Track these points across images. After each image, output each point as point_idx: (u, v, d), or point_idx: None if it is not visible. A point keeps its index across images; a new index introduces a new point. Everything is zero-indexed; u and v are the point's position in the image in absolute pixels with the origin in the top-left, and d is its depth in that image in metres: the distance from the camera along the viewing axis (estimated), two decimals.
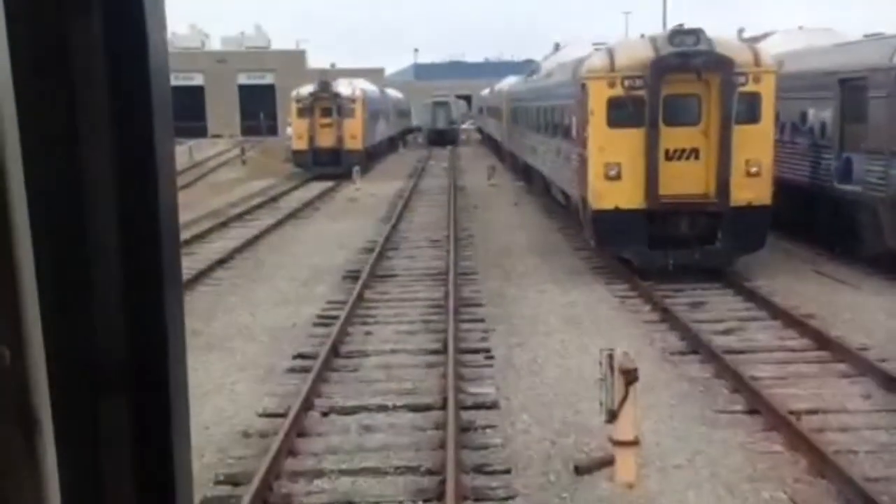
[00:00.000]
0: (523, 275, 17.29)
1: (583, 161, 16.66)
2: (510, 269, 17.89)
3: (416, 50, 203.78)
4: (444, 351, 11.78)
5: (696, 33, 15.26)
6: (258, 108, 77.17)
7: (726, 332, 12.62)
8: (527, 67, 57.12)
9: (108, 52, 1.02)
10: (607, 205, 15.76)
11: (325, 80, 41.53)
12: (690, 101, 15.63)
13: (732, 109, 15.11)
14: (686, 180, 15.55)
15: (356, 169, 33.63)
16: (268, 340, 12.79)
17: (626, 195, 15.62)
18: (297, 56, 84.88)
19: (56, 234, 1.03)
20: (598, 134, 15.76)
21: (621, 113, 15.64)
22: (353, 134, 39.98)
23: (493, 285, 16.30)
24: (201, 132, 74.12)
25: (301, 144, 39.92)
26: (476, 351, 11.97)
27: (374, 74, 71.35)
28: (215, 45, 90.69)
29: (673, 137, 15.49)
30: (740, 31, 19.29)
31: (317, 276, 17.59)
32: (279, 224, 24.88)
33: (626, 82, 15.44)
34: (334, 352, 11.90)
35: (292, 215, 26.96)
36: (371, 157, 45.11)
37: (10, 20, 0.98)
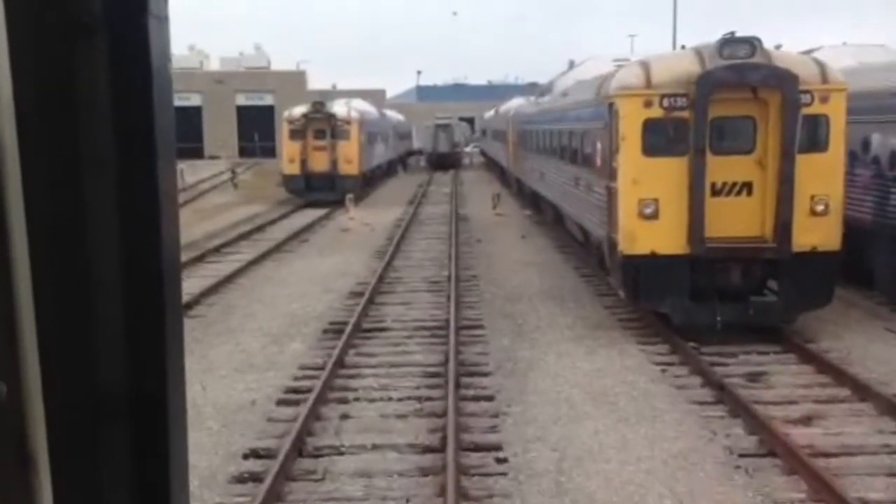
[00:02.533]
0: (538, 329, 14.51)
1: (611, 195, 13.94)
2: (522, 321, 15.11)
3: (419, 72, 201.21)
4: (442, 448, 9.01)
5: (752, 42, 12.57)
6: (257, 130, 75.28)
7: (806, 420, 9.83)
8: (531, 90, 55.18)
9: (111, 81, 1.01)
10: (641, 249, 13.01)
11: (318, 100, 38.97)
12: (743, 124, 12.92)
13: (795, 135, 12.39)
14: (737, 220, 12.81)
15: (349, 196, 30.95)
16: (216, 427, 9.99)
17: (664, 238, 12.88)
18: (297, 77, 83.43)
19: (55, 266, 1.02)
20: (631, 164, 13.04)
21: (659, 138, 12.93)
22: (349, 158, 37.31)
23: (502, 344, 13.52)
24: (198, 153, 72.55)
25: (293, 169, 37.26)
26: (484, 448, 9.17)
27: (375, 96, 69.56)
28: (214, 65, 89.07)
29: (722, 168, 12.77)
30: (777, 48, 16.75)
31: (293, 328, 14.82)
32: (260, 259, 22.13)
33: (666, 101, 12.74)
34: (297, 449, 9.11)
35: (277, 248, 24.22)
36: (368, 182, 42.48)
37: (13, 47, 0.98)
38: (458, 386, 11.11)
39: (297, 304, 16.78)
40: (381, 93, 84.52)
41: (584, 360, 12.54)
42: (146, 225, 1.05)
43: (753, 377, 11.45)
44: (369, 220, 31.05)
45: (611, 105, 13.83)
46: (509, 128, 38.35)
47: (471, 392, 11.08)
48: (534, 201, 30.87)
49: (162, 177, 1.06)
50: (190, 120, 75.50)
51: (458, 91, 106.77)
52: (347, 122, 37.62)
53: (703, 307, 12.86)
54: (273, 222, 31.22)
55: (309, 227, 29.55)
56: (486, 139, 62.40)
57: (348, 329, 14.16)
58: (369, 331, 14.60)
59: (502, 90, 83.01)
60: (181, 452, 1.14)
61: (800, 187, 12.52)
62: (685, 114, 12.70)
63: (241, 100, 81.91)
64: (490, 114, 57.70)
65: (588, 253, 19.59)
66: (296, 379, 11.84)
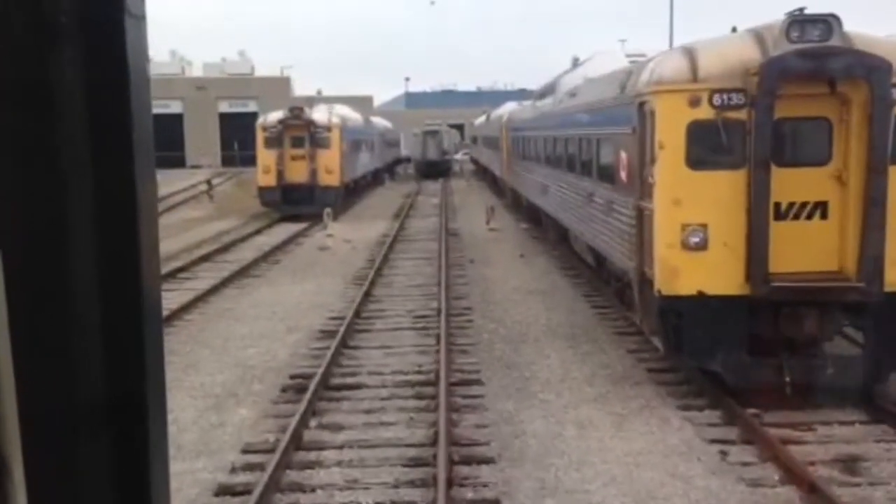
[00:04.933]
0: (549, 385, 11.58)
1: (642, 219, 11.04)
2: (529, 373, 12.18)
3: (408, 79, 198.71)
4: None
5: (828, 22, 9.71)
6: (240, 138, 72.51)
7: None
8: (521, 97, 52.57)
9: (87, 83, 0.98)
10: (685, 289, 10.11)
11: (296, 105, 36.04)
12: (817, 127, 10.04)
13: (888, 142, 9.53)
14: (810, 252, 9.94)
15: (328, 211, 27.95)
16: None
17: (715, 274, 9.99)
18: (282, 83, 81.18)
19: (30, 270, 0.99)
20: (672, 179, 10.15)
21: (709, 146, 10.04)
22: (329, 168, 34.31)
23: (506, 410, 10.58)
24: (179, 162, 69.87)
25: (268, 180, 34.22)
26: None
27: (361, 102, 67.19)
28: (197, 72, 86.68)
29: (789, 184, 9.91)
30: None
31: (242, 386, 11.84)
32: (220, 287, 19.11)
33: (718, 98, 9.86)
34: None
35: (242, 272, 21.21)
36: (351, 193, 39.53)
37: None
38: (450, 483, 8.17)
39: (253, 350, 13.79)
40: (369, 99, 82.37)
41: (614, 437, 9.60)
42: (125, 228, 1.03)
43: (850, 465, 8.53)
44: (351, 235, 28.11)
45: (642, 105, 10.94)
46: (503, 134, 35.46)
47: (468, 494, 8.12)
48: (531, 214, 27.99)
49: (140, 179, 1.03)
50: (171, 128, 73.22)
51: (448, 97, 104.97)
52: (328, 128, 34.63)
53: (767, 364, 9.95)
54: (244, 239, 28.23)
55: (282, 246, 26.56)
56: (476, 146, 59.59)
57: (312, 386, 11.22)
58: (338, 388, 11.64)
59: (492, 96, 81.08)
60: (162, 458, 1.10)
61: (893, 209, 9.64)
62: (742, 114, 9.83)
63: (224, 107, 79.69)
64: (481, 120, 54.83)
65: (601, 280, 16.68)
66: (233, 471, 8.86)
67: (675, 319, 10.18)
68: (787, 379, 9.83)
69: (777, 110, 9.66)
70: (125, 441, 1.05)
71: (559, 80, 20.38)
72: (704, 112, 9.91)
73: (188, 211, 39.57)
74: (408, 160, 66.97)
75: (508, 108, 38.72)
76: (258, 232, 30.41)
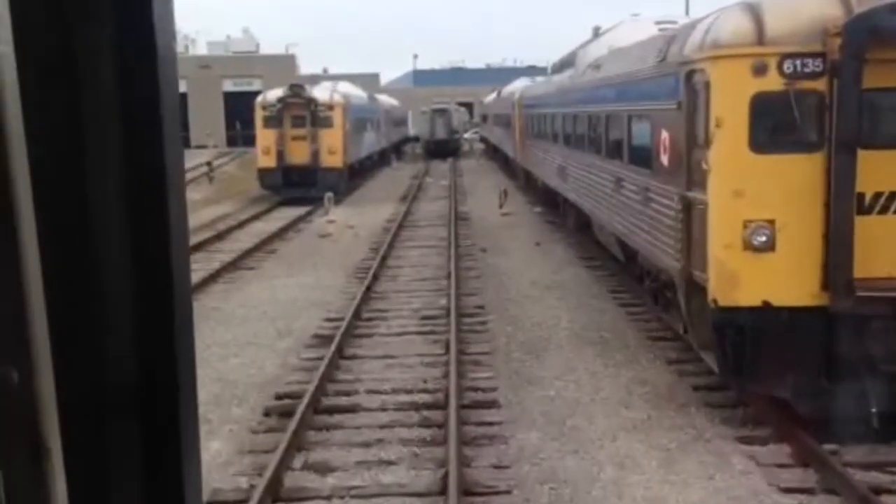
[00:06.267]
0: (578, 407, 9.83)
1: (691, 212, 9.21)
2: (553, 391, 10.42)
3: (416, 56, 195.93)
4: None
5: None
6: (244, 117, 70.89)
7: None
8: (532, 73, 50.64)
9: (117, 60, 1.00)
10: (748, 299, 8.30)
11: (297, 83, 34.21)
12: None
13: None
14: None
15: (329, 195, 26.13)
16: None
17: (784, 281, 8.20)
18: (287, 61, 79.44)
19: (64, 253, 1.01)
20: (732, 165, 8.32)
21: (778, 125, 8.22)
22: (332, 148, 32.48)
23: (527, 442, 8.83)
24: (184, 143, 67.70)
25: (268, 161, 32.43)
26: None
27: (368, 80, 65.38)
28: (201, 50, 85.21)
29: (879, 171, 8.08)
30: None
31: (219, 409, 10.11)
32: (208, 282, 17.38)
33: (790, 65, 8.02)
34: None
35: (234, 264, 19.47)
36: (356, 174, 37.71)
37: (16, 31, 0.96)
38: None
39: (237, 360, 12.07)
40: (375, 77, 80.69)
41: (664, 482, 7.84)
42: (154, 211, 1.03)
43: None
44: (354, 221, 26.37)
45: (691, 74, 9.08)
46: (515, 112, 33.51)
47: None
48: (546, 197, 26.16)
49: (169, 161, 1.04)
50: None
51: (456, 75, 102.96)
52: (330, 107, 32.77)
53: (849, 390, 8.14)
54: (241, 226, 26.48)
55: (281, 233, 24.84)
56: (487, 125, 57.61)
57: (300, 410, 9.49)
58: (331, 412, 9.91)
59: (502, 74, 79.11)
60: (193, 441, 1.12)
61: None
62: (820, 84, 7.99)
63: (229, 86, 78.11)
64: (491, 97, 52.79)
65: (631, 275, 14.89)
66: None
67: (733, 336, 8.37)
68: (874, 409, 8.03)
69: (865, 79, 7.80)
70: (158, 427, 1.06)
71: (579, 52, 18.47)
72: (772, 82, 8.06)
73: (187, 194, 37.77)
74: (416, 139, 65.17)
75: (521, 84, 36.77)
76: (256, 217, 28.68)
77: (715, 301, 8.43)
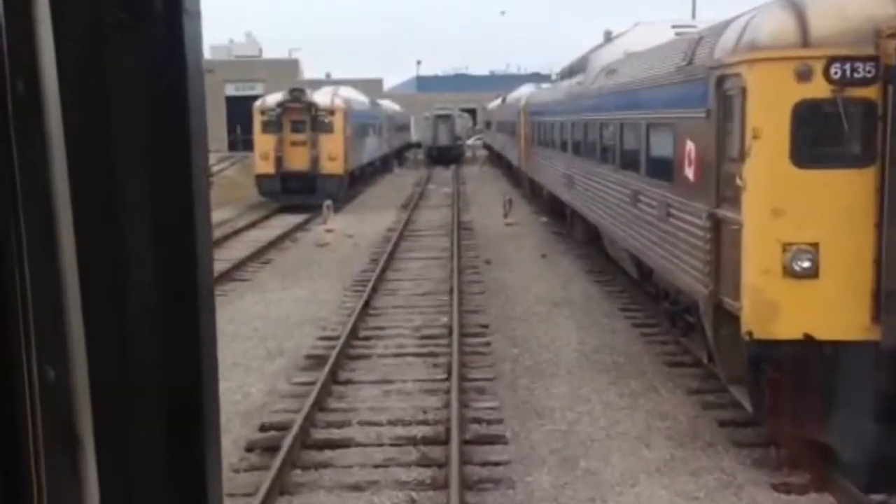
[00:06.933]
0: (593, 446, 8.93)
1: (722, 231, 8.32)
2: (564, 424, 9.52)
3: (419, 62, 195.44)
4: None
5: None
6: (246, 122, 70.13)
7: None
8: (536, 80, 49.90)
9: (146, 78, 1.04)
10: (788, 331, 7.40)
11: (297, 87, 33.36)
12: None
13: None
14: None
15: (328, 203, 25.23)
16: None
17: (830, 311, 7.30)
18: (290, 65, 78.85)
19: (99, 258, 1.06)
20: (772, 180, 7.43)
21: (824, 135, 7.33)
22: (333, 154, 31.60)
23: (537, 486, 7.95)
24: None
25: (266, 167, 31.59)
26: None
27: (371, 85, 64.71)
28: (203, 54, 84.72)
29: None
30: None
31: None
32: None
33: (837, 69, 7.13)
34: None
35: (226, 276, 18.58)
36: (357, 181, 36.84)
37: (58, 45, 1.00)
38: None
39: (222, 385, 10.76)
40: (378, 82, 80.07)
41: None
42: (182, 218, 1.08)
43: None
44: (353, 229, 25.52)
45: (722, 79, 8.20)
46: (521, 119, 32.65)
47: None
48: (552, 206, 25.27)
49: (196, 172, 1.08)
50: None
51: (460, 81, 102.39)
52: (331, 111, 31.92)
53: None
54: (236, 233, 25.62)
55: (278, 242, 23.97)
56: (490, 131, 56.76)
57: (286, 445, 8.61)
58: (320, 447, 9.01)
59: (505, 80, 78.57)
60: (215, 434, 1.16)
61: None
62: (871, 91, 7.10)
63: (231, 90, 77.36)
64: (495, 103, 51.95)
65: (646, 293, 14.00)
66: None
67: (770, 372, 7.46)
68: None
69: None
70: (182, 421, 1.11)
71: (591, 57, 17.58)
72: (818, 88, 7.18)
73: None
74: (418, 145, 64.35)
75: (527, 89, 35.95)
76: (253, 225, 27.86)
77: (750, 333, 7.52)
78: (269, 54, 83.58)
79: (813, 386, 7.38)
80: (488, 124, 59.21)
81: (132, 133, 1.03)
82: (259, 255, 21.66)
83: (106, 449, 1.07)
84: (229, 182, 43.46)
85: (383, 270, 18.65)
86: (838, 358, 7.30)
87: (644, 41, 14.44)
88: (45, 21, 0.98)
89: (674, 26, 15.56)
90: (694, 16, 43.97)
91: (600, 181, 15.21)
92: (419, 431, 9.33)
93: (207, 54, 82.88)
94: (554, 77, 35.33)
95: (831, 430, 7.44)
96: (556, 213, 24.59)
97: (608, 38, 18.63)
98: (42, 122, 1.00)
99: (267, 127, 31.74)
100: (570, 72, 20.64)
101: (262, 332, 13.96)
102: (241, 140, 63.50)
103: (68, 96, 1.00)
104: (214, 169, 46.99)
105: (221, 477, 1.18)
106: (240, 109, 71.88)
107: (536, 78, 56.92)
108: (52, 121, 1.00)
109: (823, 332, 7.32)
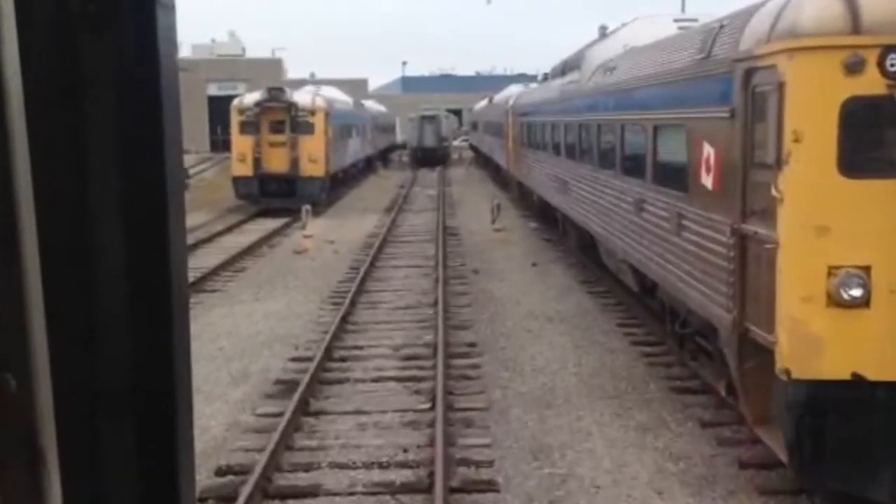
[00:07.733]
0: (598, 494, 7.77)
1: (747, 250, 7.17)
2: (563, 466, 8.35)
3: (405, 63, 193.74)
4: None
5: None
6: (229, 122, 68.87)
7: None
8: (522, 81, 48.78)
9: (118, 71, 1.00)
10: (834, 370, 6.26)
11: (276, 86, 32.10)
12: None
13: None
14: None
15: (306, 208, 24.00)
16: None
17: (883, 347, 6.17)
18: (274, 65, 77.78)
19: (63, 259, 1.01)
20: (815, 192, 6.30)
21: (878, 140, 6.21)
22: (313, 156, 30.36)
23: None
24: None
25: (244, 169, 30.32)
26: None
27: (355, 86, 63.52)
28: (185, 53, 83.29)
29: None
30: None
31: None
32: None
33: (894, 61, 6.00)
34: None
35: (195, 286, 17.29)
36: (339, 183, 35.61)
37: (22, 39, 0.97)
38: None
39: None
40: (363, 82, 78.96)
41: None
42: (154, 219, 1.03)
43: None
44: (334, 234, 24.33)
45: (751, 73, 7.04)
46: (508, 120, 31.50)
47: None
48: (543, 211, 24.15)
49: (169, 168, 1.04)
50: None
51: (446, 82, 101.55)
52: (311, 112, 30.68)
53: None
54: (210, 239, 24.32)
55: (254, 248, 22.71)
56: (477, 133, 55.63)
57: (246, 492, 7.43)
58: (283, 496, 7.81)
59: (491, 81, 77.76)
60: (188, 446, 1.11)
61: None
62: None
63: (213, 90, 76.07)
64: (482, 104, 50.79)
65: (648, 310, 12.87)
66: None
67: (814, 419, 6.31)
68: None
69: None
70: (152, 431, 1.06)
71: (586, 53, 16.43)
72: (871, 83, 6.05)
73: None
74: (403, 147, 63.21)
75: (515, 89, 34.82)
76: (229, 230, 26.54)
77: (788, 372, 6.37)
78: (252, 54, 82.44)
79: (863, 435, 6.23)
80: (475, 125, 58.10)
81: (101, 129, 0.99)
82: (232, 262, 20.40)
83: (71, 463, 1.03)
84: (208, 184, 42.17)
85: (363, 281, 17.45)
86: (893, 401, 6.16)
87: (645, 35, 13.34)
88: (9, 11, 0.96)
89: (676, 20, 14.48)
90: (683, 10, 42.96)
91: (597, 187, 14.05)
92: (398, 477, 8.14)
93: (189, 53, 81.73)
94: (540, 77, 34.12)
95: (885, 488, 6.29)
96: (547, 218, 23.46)
97: (603, 33, 17.48)
98: (3, 117, 0.97)
99: (245, 127, 30.50)
100: (563, 69, 19.47)
101: (227, 351, 12.73)
102: (222, 141, 62.20)
103: (33, 90, 0.96)
104: (193, 170, 45.78)
105: (195, 490, 1.13)
106: (222, 109, 70.34)
107: (523, 79, 55.86)
108: (14, 116, 0.97)
109: (876, 372, 6.18)
